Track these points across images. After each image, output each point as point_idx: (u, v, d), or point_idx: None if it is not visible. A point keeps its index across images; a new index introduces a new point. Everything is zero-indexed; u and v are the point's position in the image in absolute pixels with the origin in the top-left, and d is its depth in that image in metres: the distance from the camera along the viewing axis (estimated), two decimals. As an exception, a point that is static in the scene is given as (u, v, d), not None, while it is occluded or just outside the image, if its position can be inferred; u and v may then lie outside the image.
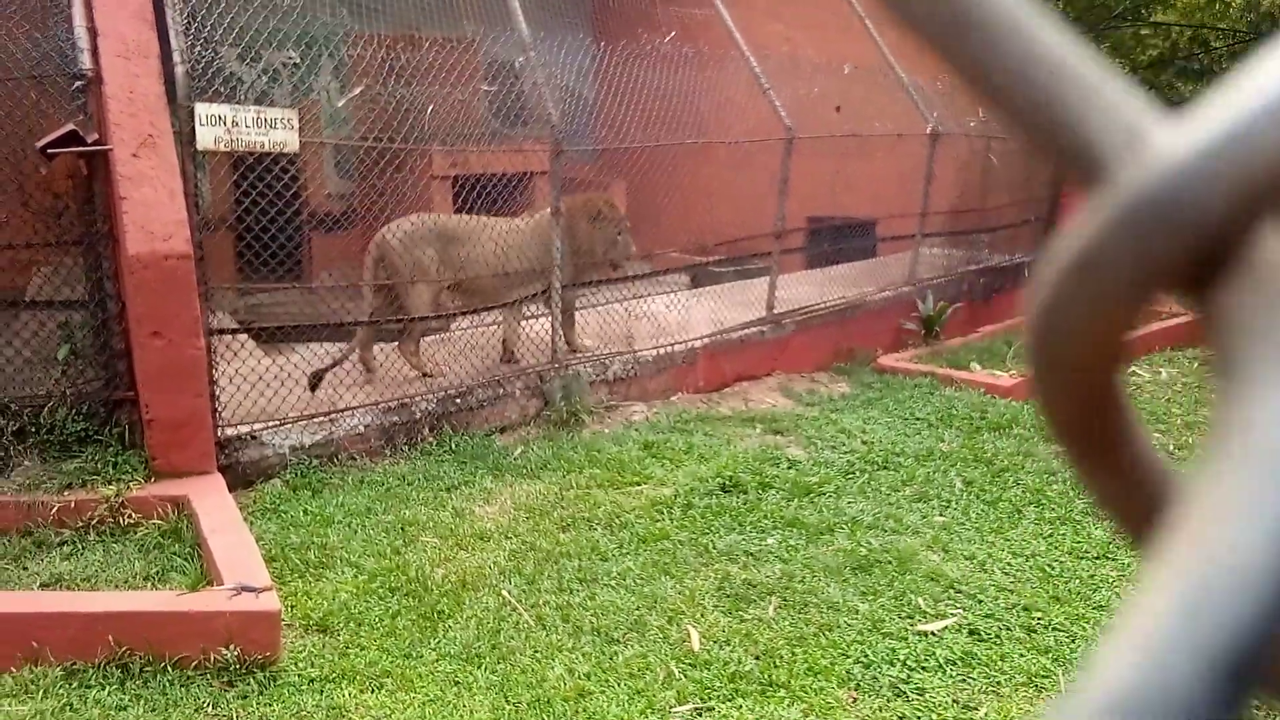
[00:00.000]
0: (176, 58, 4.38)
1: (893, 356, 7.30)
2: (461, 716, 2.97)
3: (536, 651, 3.32)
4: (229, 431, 4.58)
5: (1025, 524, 4.49)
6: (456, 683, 3.14)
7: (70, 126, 4.19)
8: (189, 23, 4.45)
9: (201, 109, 4.42)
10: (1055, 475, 5.05)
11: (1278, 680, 0.22)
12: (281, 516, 4.28)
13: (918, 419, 5.94)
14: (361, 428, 5.00)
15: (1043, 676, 3.27)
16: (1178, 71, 12.42)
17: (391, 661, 3.23)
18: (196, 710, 2.94)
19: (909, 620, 3.59)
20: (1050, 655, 3.39)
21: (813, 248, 8.82)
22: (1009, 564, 4.08)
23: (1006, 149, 9.07)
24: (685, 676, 3.20)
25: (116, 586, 3.61)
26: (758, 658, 3.32)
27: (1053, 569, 4.05)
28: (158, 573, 3.72)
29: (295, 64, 6.18)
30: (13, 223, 4.43)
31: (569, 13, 7.17)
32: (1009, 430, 5.74)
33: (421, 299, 5.64)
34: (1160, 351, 7.83)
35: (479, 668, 3.22)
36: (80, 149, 4.22)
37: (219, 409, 4.54)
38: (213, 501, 4.06)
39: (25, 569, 3.76)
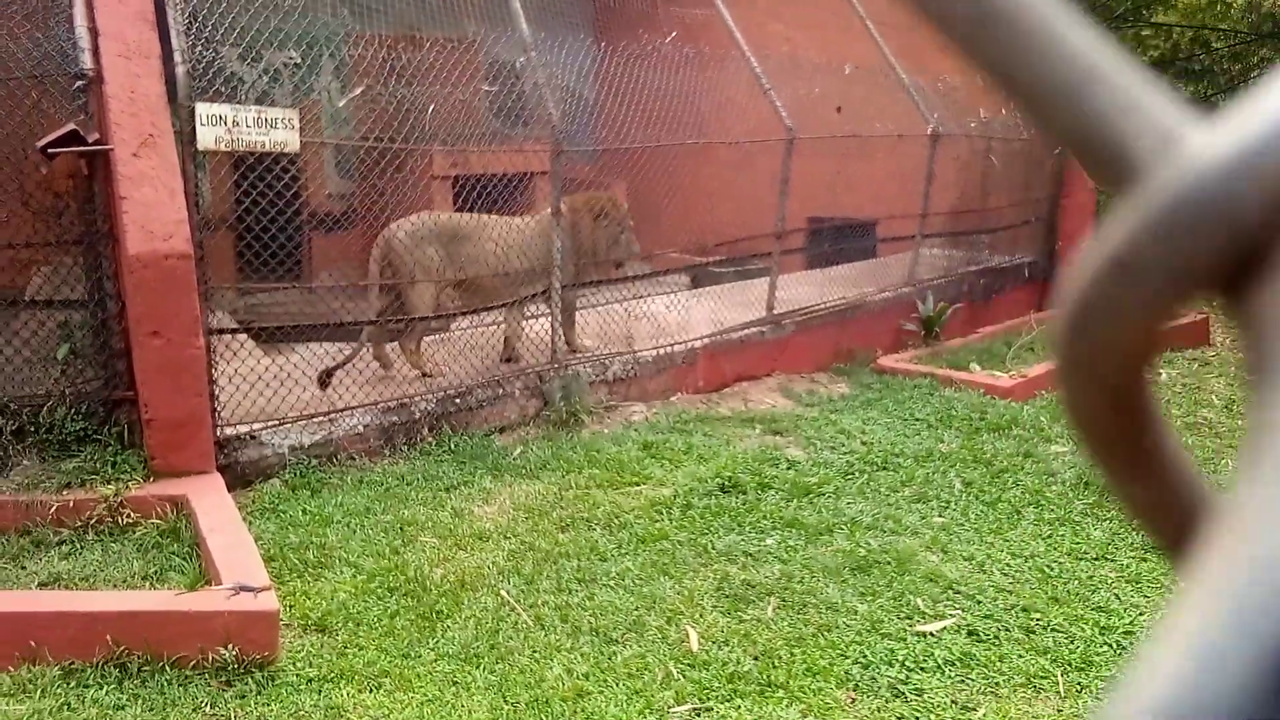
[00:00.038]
0: (177, 57, 4.38)
1: (892, 357, 7.30)
2: (460, 716, 2.97)
3: (535, 651, 3.32)
4: (228, 431, 4.58)
5: (1024, 525, 4.49)
6: (455, 683, 3.14)
7: (71, 126, 4.19)
8: (190, 22, 4.45)
9: (202, 109, 4.42)
10: (1054, 477, 5.05)
11: None
12: (280, 516, 4.28)
13: (917, 420, 5.94)
14: (360, 428, 5.00)
15: (1041, 677, 3.27)
16: (1179, 72, 12.42)
17: (390, 661, 3.23)
18: (194, 710, 2.94)
19: (908, 621, 3.59)
20: (1049, 656, 3.39)
21: (813, 248, 8.81)
22: (1008, 565, 4.08)
23: (1007, 150, 9.07)
24: (684, 677, 3.20)
25: (115, 586, 3.61)
26: (756, 658, 3.32)
27: (1051, 570, 4.05)
28: (156, 572, 3.72)
29: (296, 64, 6.18)
30: (13, 222, 4.43)
31: (570, 13, 7.17)
32: (1008, 431, 5.73)
33: (425, 298, 5.64)
34: (1159, 353, 7.82)
35: (477, 668, 3.22)
36: (81, 148, 4.23)
37: (218, 409, 4.54)
38: (211, 501, 4.06)
39: (24, 568, 3.77)
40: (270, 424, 4.73)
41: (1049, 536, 4.38)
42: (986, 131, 8.76)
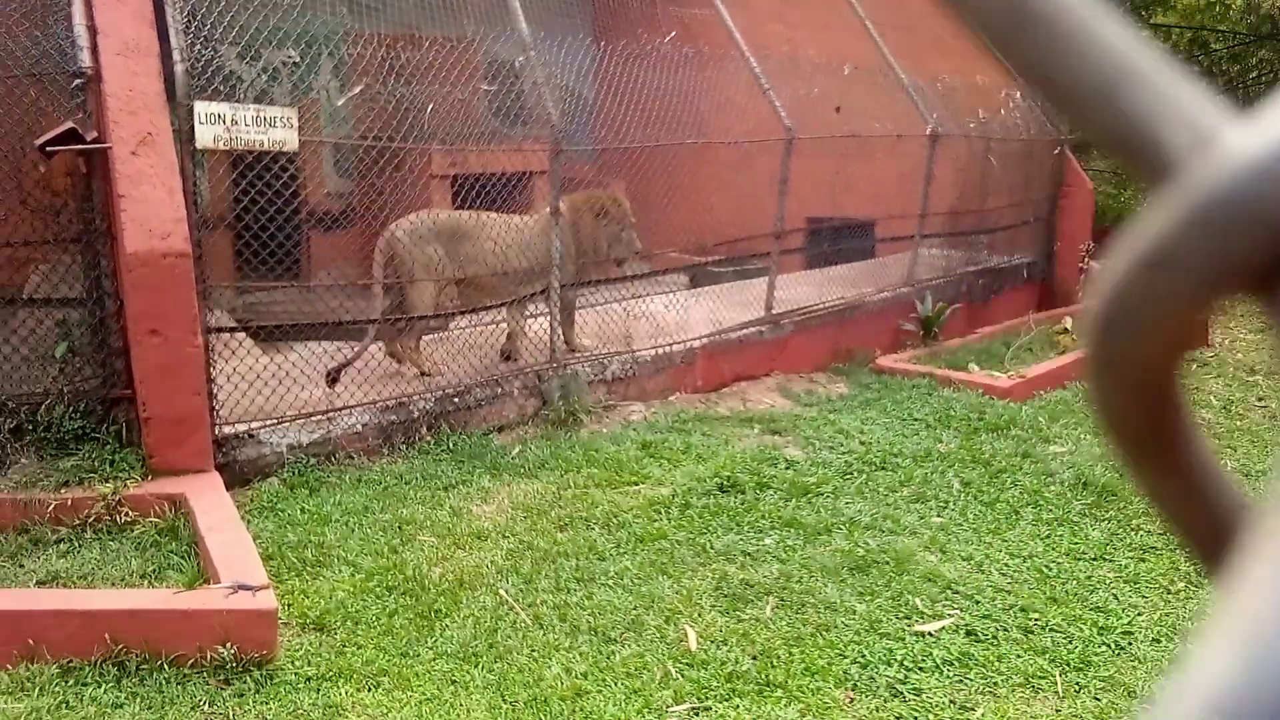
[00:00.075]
0: (176, 56, 4.38)
1: (891, 357, 7.30)
2: (458, 715, 2.97)
3: (533, 651, 3.32)
4: (226, 430, 4.58)
5: (1023, 525, 4.49)
6: (453, 682, 3.14)
7: (69, 124, 4.19)
8: (188, 21, 4.44)
9: (201, 107, 4.42)
10: (1052, 477, 5.05)
11: None
12: (279, 515, 4.27)
13: (916, 420, 5.94)
14: (359, 426, 5.00)
15: (1039, 677, 3.27)
16: (1178, 73, 12.43)
17: (388, 660, 3.23)
18: (193, 708, 2.94)
19: (906, 621, 3.59)
20: (1047, 656, 3.39)
21: (812, 248, 8.81)
22: (1006, 565, 4.08)
23: (1006, 150, 9.08)
24: (682, 676, 3.20)
25: (113, 584, 3.61)
26: (755, 657, 3.32)
27: (1050, 570, 4.05)
28: (154, 571, 3.72)
29: (295, 63, 6.17)
30: (11, 220, 4.42)
31: (569, 12, 7.18)
32: (1007, 431, 5.74)
33: (427, 296, 5.64)
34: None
35: (476, 667, 3.21)
36: (79, 147, 4.22)
37: (216, 407, 4.54)
38: (210, 500, 4.05)
39: (22, 566, 3.76)
40: (269, 423, 4.72)
41: (1047, 537, 4.38)
42: (985, 132, 8.76)
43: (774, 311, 7.02)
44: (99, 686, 2.99)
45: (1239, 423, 6.38)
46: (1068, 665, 3.35)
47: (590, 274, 6.31)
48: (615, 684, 3.14)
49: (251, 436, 4.65)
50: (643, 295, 6.57)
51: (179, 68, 4.37)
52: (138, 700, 2.95)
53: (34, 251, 4.51)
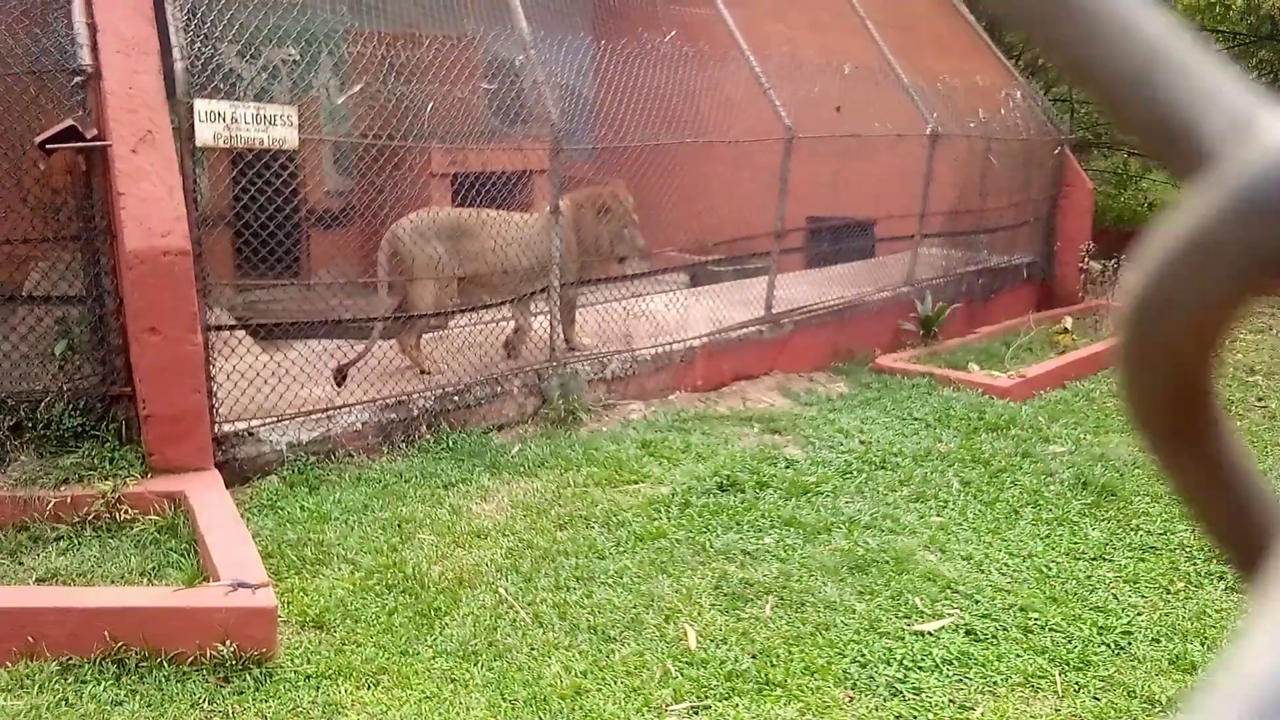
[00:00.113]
0: (176, 54, 4.37)
1: (891, 357, 7.30)
2: (457, 714, 2.97)
3: (533, 649, 3.32)
4: (226, 428, 4.57)
5: (1022, 524, 4.49)
6: (453, 680, 3.14)
7: (69, 122, 4.18)
8: (189, 19, 4.44)
9: (201, 105, 4.41)
10: (1052, 476, 5.06)
11: None
12: (278, 513, 4.27)
13: (915, 419, 5.94)
14: (359, 425, 4.99)
15: (1039, 677, 3.27)
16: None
17: (388, 658, 3.23)
18: (192, 706, 2.94)
19: (906, 620, 3.59)
20: (1047, 656, 3.39)
21: (812, 247, 8.81)
22: (1006, 564, 4.08)
23: (1006, 150, 9.08)
24: (682, 675, 3.20)
25: (113, 582, 3.61)
26: (754, 656, 3.32)
27: (1049, 570, 4.05)
28: (154, 568, 3.72)
29: (295, 61, 6.18)
30: (11, 218, 4.42)
31: (569, 11, 7.17)
32: (1006, 431, 5.74)
33: (431, 294, 5.65)
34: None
35: (475, 665, 3.21)
36: (79, 144, 4.22)
37: (216, 405, 4.54)
38: (210, 498, 4.05)
39: (21, 564, 3.76)
40: (268, 421, 4.72)
41: (1047, 536, 4.38)
42: (985, 132, 8.76)
43: (774, 311, 7.02)
44: (98, 684, 2.98)
45: (1239, 423, 6.38)
46: (1067, 665, 3.35)
47: (593, 272, 6.31)
48: (615, 682, 3.14)
49: (251, 434, 4.65)
50: (643, 294, 6.57)
51: (179, 65, 4.36)
52: (137, 698, 2.95)
53: (34, 249, 4.51)
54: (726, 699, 3.08)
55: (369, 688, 3.08)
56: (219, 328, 4.81)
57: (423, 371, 5.65)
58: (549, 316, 5.92)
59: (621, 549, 4.09)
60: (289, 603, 3.52)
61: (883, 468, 5.11)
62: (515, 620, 3.51)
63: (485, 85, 6.22)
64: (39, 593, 3.44)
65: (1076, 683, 3.26)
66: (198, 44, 4.44)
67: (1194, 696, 0.23)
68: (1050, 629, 3.57)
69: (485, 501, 4.54)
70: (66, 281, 4.45)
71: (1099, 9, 0.29)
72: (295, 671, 3.14)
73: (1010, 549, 4.23)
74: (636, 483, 4.80)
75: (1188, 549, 4.31)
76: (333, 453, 4.85)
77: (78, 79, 4.29)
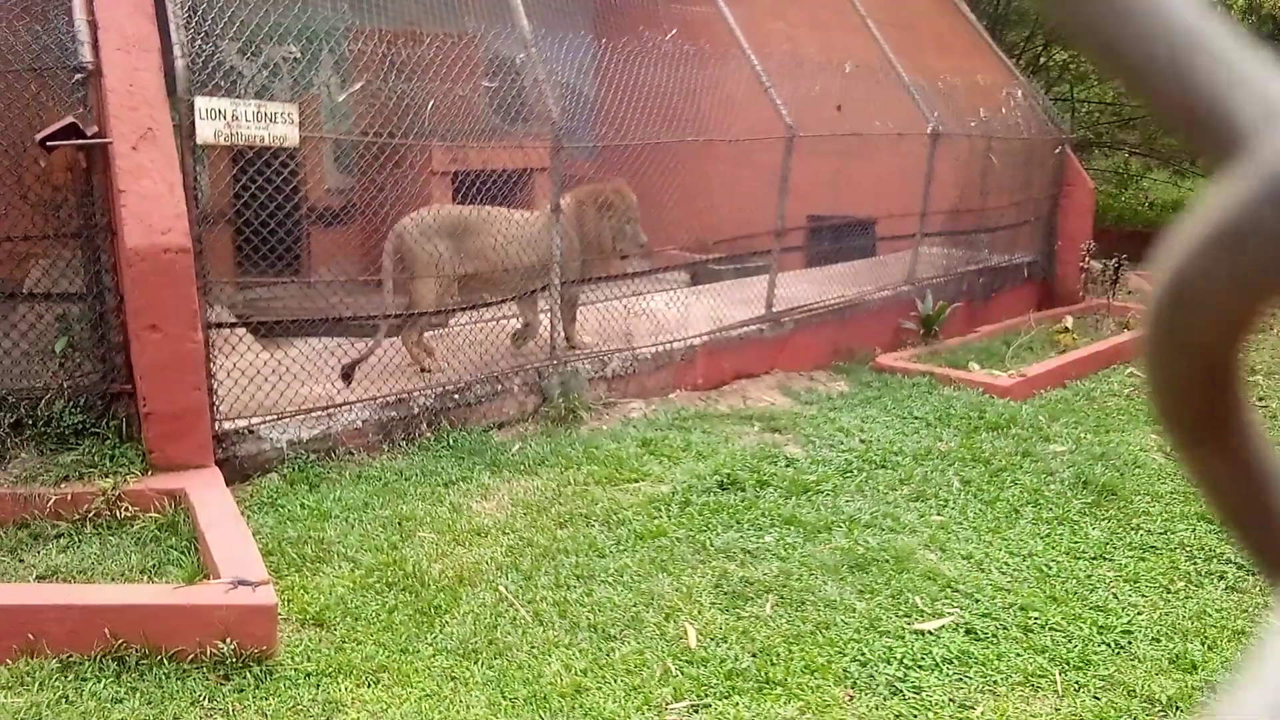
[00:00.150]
0: (177, 51, 4.37)
1: (891, 355, 7.30)
2: (458, 712, 2.97)
3: (533, 647, 3.32)
4: (226, 425, 4.57)
5: (1022, 524, 4.49)
6: (453, 678, 3.14)
7: (70, 119, 4.18)
8: (189, 16, 4.44)
9: (201, 103, 4.41)
10: (1052, 476, 5.06)
11: None
12: (279, 511, 4.27)
13: (916, 418, 5.94)
14: (359, 423, 4.99)
15: (1039, 676, 3.27)
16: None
17: (388, 656, 3.23)
18: (192, 703, 2.94)
19: (906, 619, 3.59)
20: (1047, 655, 3.39)
21: (812, 246, 8.81)
22: (1006, 563, 4.08)
23: (1007, 149, 9.08)
24: (682, 673, 3.20)
25: (113, 579, 3.61)
26: (755, 655, 3.32)
27: (1049, 569, 4.05)
28: (154, 566, 3.72)
29: (296, 58, 6.17)
30: (11, 215, 4.42)
31: (570, 9, 7.16)
32: (1007, 430, 5.74)
33: (435, 291, 5.65)
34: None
35: (475, 663, 3.21)
36: (80, 142, 4.22)
37: (216, 403, 4.54)
38: (210, 495, 4.05)
39: (21, 561, 3.76)
40: (269, 418, 4.72)
41: (1047, 535, 4.38)
42: (986, 131, 8.75)
43: (774, 309, 7.02)
44: (99, 681, 2.98)
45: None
46: (1067, 664, 3.35)
47: (595, 270, 6.30)
48: (615, 681, 3.14)
49: (251, 432, 4.65)
50: (643, 292, 6.57)
51: (179, 63, 4.36)
52: (137, 695, 2.95)
53: (34, 246, 4.51)
54: (727, 697, 3.08)
55: (369, 686, 3.08)
56: (219, 325, 4.80)
57: (423, 369, 5.65)
58: (549, 314, 5.92)
59: (622, 547, 4.09)
60: (289, 600, 3.52)
61: (883, 466, 5.11)
62: (515, 618, 3.51)
63: (486, 83, 6.22)
64: (39, 590, 3.44)
65: (1076, 682, 3.26)
66: (198, 41, 4.43)
67: (1219, 697, 0.23)
68: (1050, 628, 3.57)
69: (485, 499, 4.54)
70: (67, 279, 4.45)
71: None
72: (295, 669, 3.14)
73: (1010, 548, 4.23)
74: (637, 481, 4.80)
75: (1188, 548, 4.31)
76: (333, 450, 4.85)
77: (78, 76, 4.29)
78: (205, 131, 4.44)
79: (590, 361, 5.98)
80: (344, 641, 3.31)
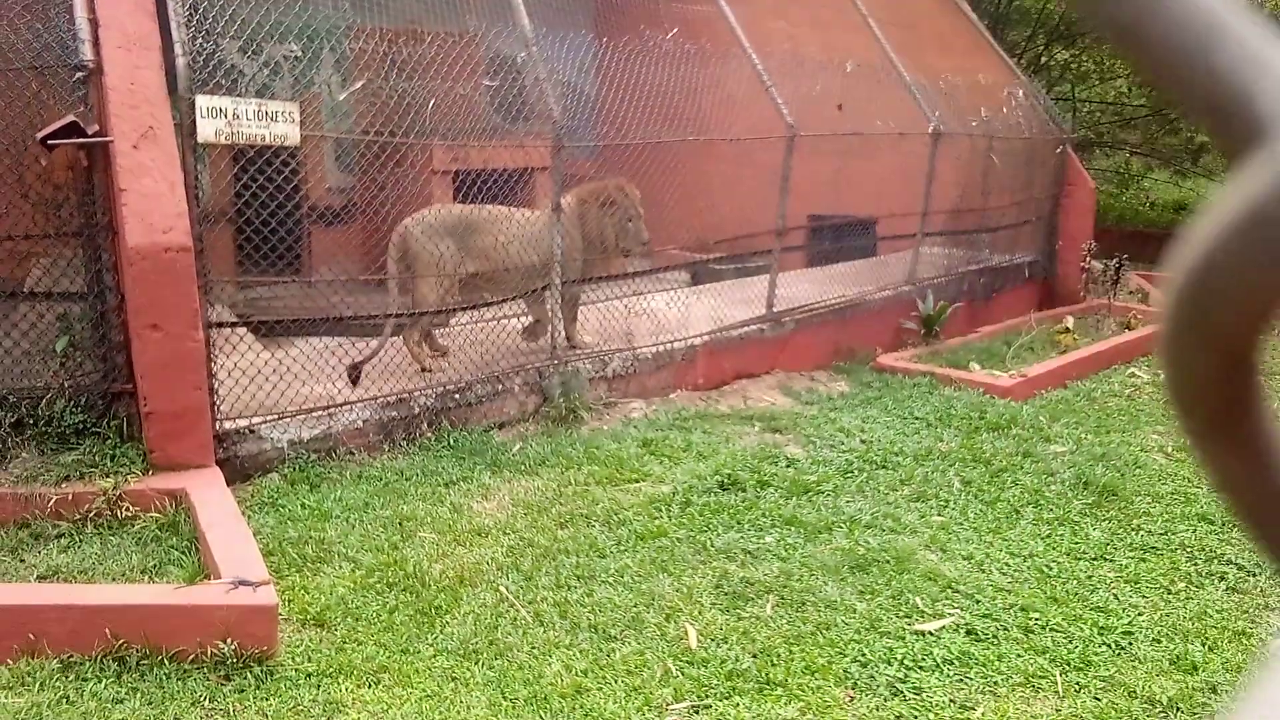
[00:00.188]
0: (178, 50, 4.37)
1: (892, 356, 7.30)
2: (458, 712, 2.97)
3: (534, 648, 3.32)
4: (227, 425, 4.57)
5: (1023, 524, 4.49)
6: (453, 679, 3.14)
7: (71, 118, 4.18)
8: (190, 15, 4.43)
9: (202, 101, 4.41)
10: (1053, 476, 5.05)
11: None
12: (279, 511, 4.27)
13: (917, 418, 5.94)
14: (360, 422, 4.99)
15: (1040, 677, 3.27)
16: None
17: (388, 657, 3.23)
18: (193, 704, 2.94)
19: (906, 619, 3.59)
20: (1047, 656, 3.39)
21: (813, 246, 8.80)
22: (1006, 564, 4.08)
23: (1008, 149, 9.07)
24: (682, 674, 3.20)
25: (114, 579, 3.61)
26: (755, 656, 3.32)
27: (1050, 569, 4.05)
28: (155, 566, 3.72)
29: (296, 57, 6.16)
30: (12, 214, 4.41)
31: (571, 8, 7.15)
32: (1008, 430, 5.74)
33: (441, 290, 5.66)
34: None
35: (476, 664, 3.21)
36: (80, 140, 4.21)
37: (217, 402, 4.53)
38: (211, 495, 4.05)
39: (22, 561, 3.76)
40: (269, 418, 4.72)
41: (1048, 536, 4.38)
42: (987, 130, 8.75)
43: (775, 309, 7.02)
44: (99, 681, 2.98)
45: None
46: (1068, 665, 3.35)
47: (596, 269, 6.30)
48: (615, 681, 3.14)
49: (252, 432, 4.65)
50: (644, 292, 6.57)
51: (180, 61, 4.36)
52: (138, 695, 2.95)
53: (35, 245, 4.50)
54: (727, 698, 3.08)
55: (370, 686, 3.08)
56: (220, 324, 4.80)
57: (424, 369, 5.65)
58: (550, 314, 5.92)
59: (622, 547, 4.09)
60: (290, 601, 3.52)
61: (884, 467, 5.11)
62: (516, 619, 3.51)
63: (487, 82, 6.21)
64: (40, 590, 3.44)
65: (1077, 683, 3.25)
66: (199, 39, 4.43)
67: (1238, 700, 0.23)
68: (1051, 629, 3.57)
69: (486, 500, 4.54)
70: (68, 278, 4.44)
71: None
72: (296, 669, 3.14)
73: (1011, 549, 4.23)
74: (637, 481, 4.80)
75: (1189, 549, 4.31)
76: (334, 450, 4.85)
77: (79, 74, 4.28)
78: (206, 130, 4.43)
79: (591, 361, 5.97)
80: (344, 642, 3.31)
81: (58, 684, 2.96)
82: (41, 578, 3.63)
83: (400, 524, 4.20)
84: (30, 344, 4.41)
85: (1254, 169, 0.26)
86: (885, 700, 3.11)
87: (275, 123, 4.69)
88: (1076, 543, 4.33)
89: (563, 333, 6.02)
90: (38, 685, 2.95)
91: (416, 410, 5.21)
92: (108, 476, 4.08)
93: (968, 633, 3.52)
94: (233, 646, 3.10)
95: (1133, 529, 4.51)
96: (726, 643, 3.39)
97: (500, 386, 5.59)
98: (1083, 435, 5.78)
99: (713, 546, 4.11)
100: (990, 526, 4.45)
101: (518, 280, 5.86)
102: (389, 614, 3.49)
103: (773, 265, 7.03)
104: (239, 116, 4.54)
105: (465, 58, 5.63)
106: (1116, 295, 9.16)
